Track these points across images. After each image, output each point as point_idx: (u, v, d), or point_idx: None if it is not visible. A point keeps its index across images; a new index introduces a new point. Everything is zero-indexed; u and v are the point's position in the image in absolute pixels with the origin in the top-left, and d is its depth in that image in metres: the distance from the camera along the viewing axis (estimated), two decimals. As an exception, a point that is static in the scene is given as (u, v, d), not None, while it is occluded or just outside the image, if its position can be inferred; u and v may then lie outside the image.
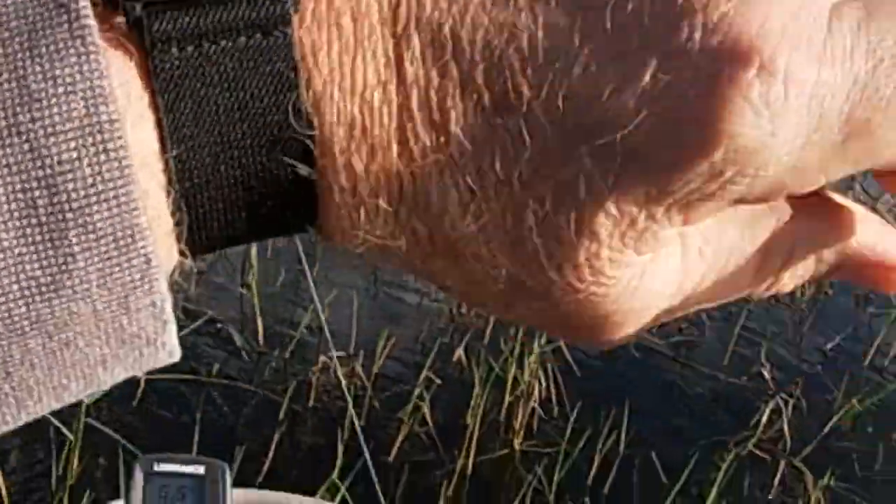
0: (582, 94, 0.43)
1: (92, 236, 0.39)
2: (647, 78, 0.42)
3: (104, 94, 0.39)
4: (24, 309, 0.39)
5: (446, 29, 0.43)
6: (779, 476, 4.28)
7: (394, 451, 3.95)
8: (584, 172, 0.43)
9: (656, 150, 0.43)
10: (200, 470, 1.70)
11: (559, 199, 0.44)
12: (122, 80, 0.41)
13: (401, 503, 3.86)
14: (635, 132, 0.42)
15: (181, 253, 0.45)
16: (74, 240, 0.39)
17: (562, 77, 0.43)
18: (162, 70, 0.42)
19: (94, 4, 0.40)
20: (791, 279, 0.53)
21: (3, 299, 0.39)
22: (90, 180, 0.39)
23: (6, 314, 0.39)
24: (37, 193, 0.38)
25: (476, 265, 0.47)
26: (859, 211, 0.53)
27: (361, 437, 3.54)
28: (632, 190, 0.44)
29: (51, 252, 0.39)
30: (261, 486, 3.24)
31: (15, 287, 0.39)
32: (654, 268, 0.47)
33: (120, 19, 0.42)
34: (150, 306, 0.42)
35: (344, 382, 4.14)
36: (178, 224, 0.44)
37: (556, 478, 4.01)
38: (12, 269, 0.39)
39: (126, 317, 0.42)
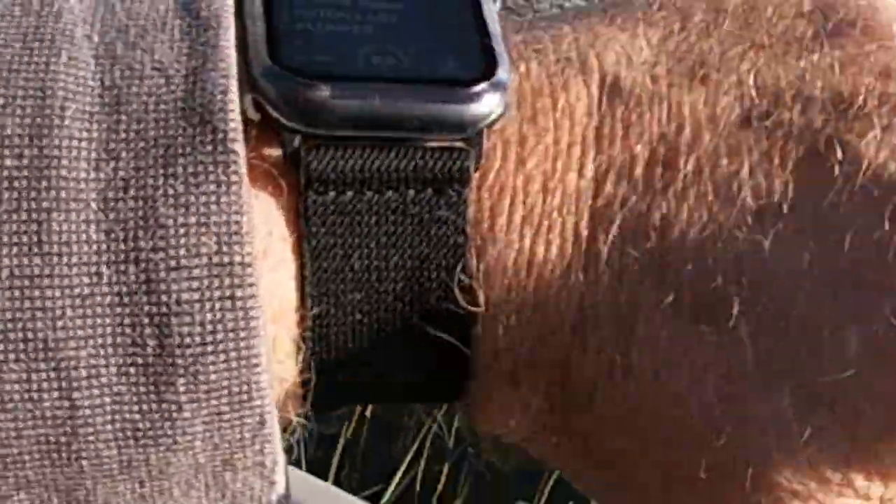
0: (799, 323, 0.36)
1: (203, 388, 0.35)
2: (880, 319, 0.35)
3: (240, 231, 0.34)
4: (115, 451, 0.35)
5: (656, 217, 0.38)
6: None
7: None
8: (780, 414, 0.37)
9: (873, 406, 0.36)
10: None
11: (741, 436, 0.37)
12: (265, 218, 0.37)
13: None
14: (852, 379, 0.36)
15: (302, 414, 0.40)
16: (182, 388, 0.35)
17: (781, 300, 0.37)
18: (313, 213, 0.37)
19: (245, 125, 0.36)
20: None
21: (93, 438, 0.35)
22: (209, 327, 0.34)
23: (94, 454, 0.35)
24: (147, 331, 0.34)
25: (632, 488, 0.41)
26: None
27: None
28: (831, 446, 0.37)
29: (154, 397, 0.35)
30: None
31: (108, 428, 0.35)
32: None
33: (274, 150, 0.37)
34: (258, 466, 0.37)
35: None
36: (304, 384, 0.39)
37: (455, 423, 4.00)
38: (108, 409, 0.34)
39: (231, 473, 0.37)
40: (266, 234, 0.37)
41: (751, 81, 0.39)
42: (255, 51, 0.37)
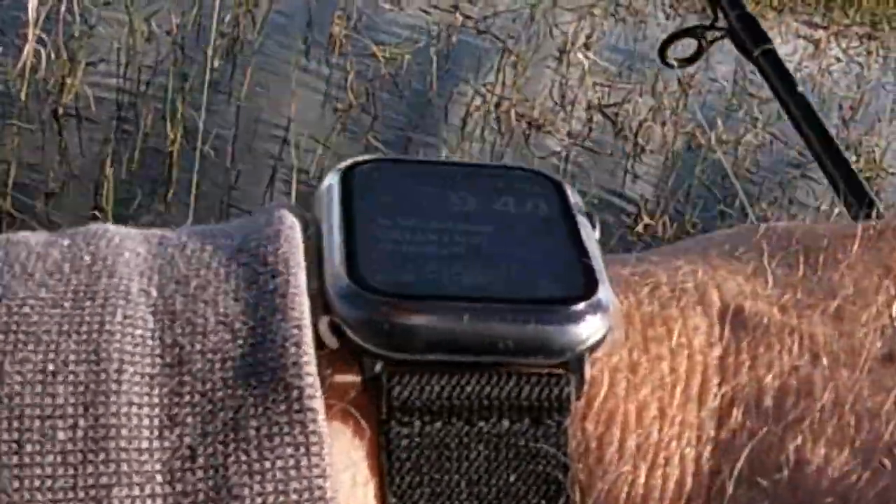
0: None
1: None
2: None
3: (324, 497, 0.32)
4: None
5: (789, 450, 0.35)
6: None
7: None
8: None
9: None
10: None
11: None
12: (346, 463, 0.34)
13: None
14: None
15: None
16: None
17: None
18: (397, 447, 0.34)
19: (318, 348, 0.34)
20: None
21: None
22: None
23: None
24: None
25: None
26: None
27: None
28: None
29: None
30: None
31: None
32: None
33: (350, 376, 0.35)
34: None
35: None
36: None
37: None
38: None
39: None
40: (349, 481, 0.34)
41: (893, 313, 0.37)
42: (332, 269, 0.35)
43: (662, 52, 1.64)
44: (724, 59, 10.22)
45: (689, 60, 1.66)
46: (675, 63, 1.65)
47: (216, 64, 6.20)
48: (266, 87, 6.10)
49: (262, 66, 6.31)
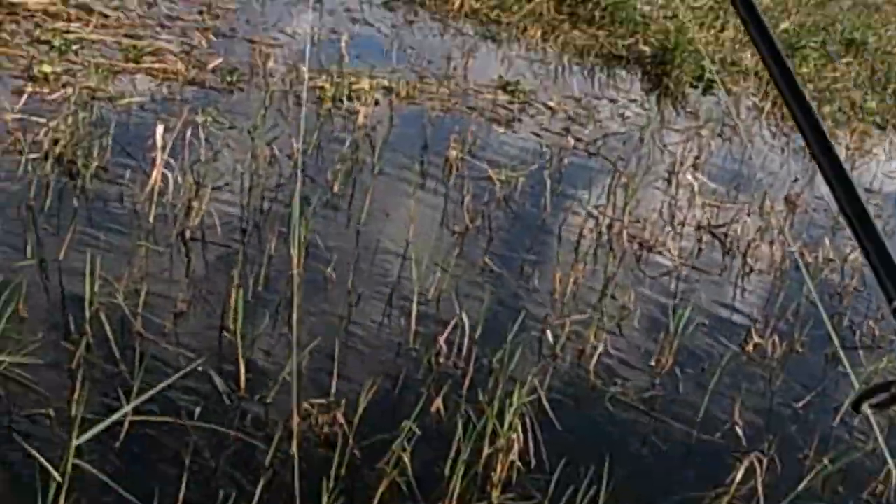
0: None
1: None
2: None
3: None
4: None
5: None
6: (752, 533, 4.34)
7: (375, 501, 3.96)
8: None
9: None
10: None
11: None
12: None
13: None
14: None
15: None
16: None
17: None
18: None
19: None
20: None
21: None
22: None
23: None
24: None
25: None
26: None
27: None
28: None
29: None
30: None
31: None
32: None
33: None
34: None
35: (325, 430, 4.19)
36: None
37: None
38: None
39: None
40: None
41: None
42: None
43: (857, 405, 1.63)
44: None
45: (883, 406, 1.63)
46: (870, 411, 1.64)
47: (337, 188, 6.35)
48: (385, 210, 6.21)
49: (381, 190, 6.44)
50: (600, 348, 5.14)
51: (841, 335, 6.31)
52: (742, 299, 6.46)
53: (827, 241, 7.59)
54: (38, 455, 3.63)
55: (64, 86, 6.82)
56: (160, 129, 5.79)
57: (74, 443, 3.57)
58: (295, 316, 4.70)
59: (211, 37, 8.87)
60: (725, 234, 7.39)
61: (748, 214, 7.81)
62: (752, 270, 6.94)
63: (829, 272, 7.20)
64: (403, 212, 6.04)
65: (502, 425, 4.26)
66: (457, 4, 12.68)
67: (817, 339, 6.01)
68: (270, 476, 3.95)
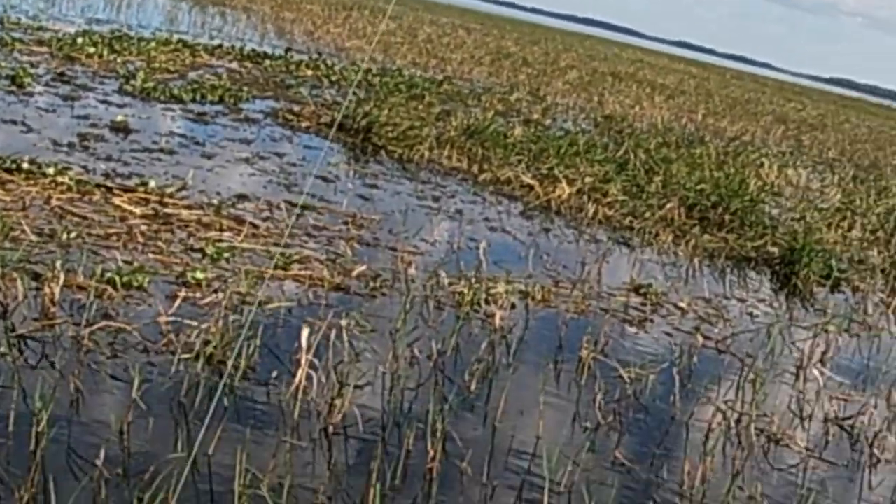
0: None
1: None
2: None
3: None
4: None
5: None
6: None
7: None
8: None
9: None
10: None
11: None
12: None
13: None
14: None
15: None
16: None
17: None
18: None
19: None
20: None
21: None
22: None
23: None
24: None
25: None
26: None
27: None
28: None
29: None
30: None
31: None
32: None
33: None
34: None
35: None
36: None
37: None
38: None
39: None
40: None
41: None
42: None
43: None
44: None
45: None
46: None
47: (473, 387, 6.55)
48: (519, 408, 6.37)
49: (516, 389, 6.62)
50: (731, 541, 5.17)
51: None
52: (868, 490, 6.42)
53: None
54: None
55: (215, 291, 7.21)
56: (305, 331, 6.09)
57: None
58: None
59: (355, 245, 9.29)
60: (852, 426, 7.37)
61: (875, 407, 7.77)
62: (878, 461, 6.90)
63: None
64: (537, 409, 6.19)
65: None
66: (591, 212, 13.04)
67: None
68: None
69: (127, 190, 9.40)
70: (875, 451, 7.02)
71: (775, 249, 12.75)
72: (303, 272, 8.11)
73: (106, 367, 5.79)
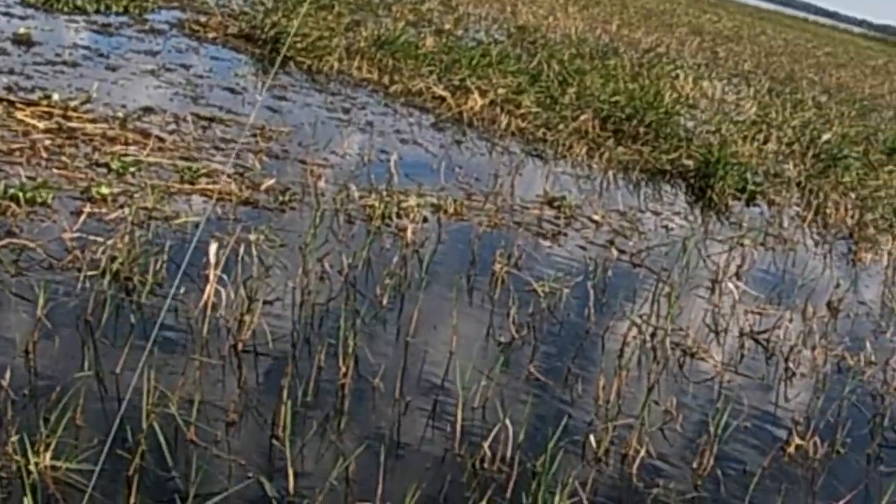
0: None
1: None
2: None
3: None
4: None
5: None
6: None
7: None
8: None
9: None
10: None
11: None
12: None
13: None
14: None
15: None
16: None
17: None
18: None
19: None
20: None
21: None
22: None
23: None
24: None
25: None
26: None
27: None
28: None
29: None
30: None
31: None
32: None
33: None
34: None
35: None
36: None
37: None
38: None
39: None
40: None
41: None
42: None
43: None
44: (871, 282, 10.28)
45: None
46: None
47: (385, 302, 6.51)
48: (432, 323, 6.35)
49: (428, 303, 6.59)
50: (643, 452, 5.21)
51: (883, 435, 6.35)
52: (784, 403, 6.52)
53: (869, 345, 7.68)
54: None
55: (121, 206, 7.06)
56: (214, 246, 5.98)
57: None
58: (343, 423, 4.82)
59: (264, 158, 9.15)
60: (767, 340, 7.47)
61: (790, 320, 7.89)
62: (793, 374, 7.01)
63: (871, 374, 7.26)
64: (450, 324, 6.17)
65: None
66: (503, 124, 12.99)
67: (858, 439, 6.06)
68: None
69: (30, 104, 9.14)
70: (790, 364, 7.13)
71: (690, 162, 12.82)
72: (210, 186, 7.97)
73: (10, 285, 5.64)
